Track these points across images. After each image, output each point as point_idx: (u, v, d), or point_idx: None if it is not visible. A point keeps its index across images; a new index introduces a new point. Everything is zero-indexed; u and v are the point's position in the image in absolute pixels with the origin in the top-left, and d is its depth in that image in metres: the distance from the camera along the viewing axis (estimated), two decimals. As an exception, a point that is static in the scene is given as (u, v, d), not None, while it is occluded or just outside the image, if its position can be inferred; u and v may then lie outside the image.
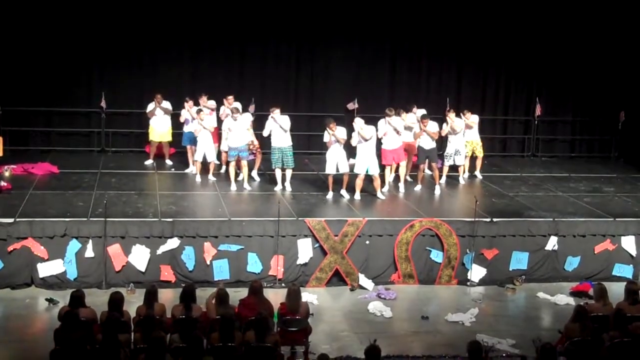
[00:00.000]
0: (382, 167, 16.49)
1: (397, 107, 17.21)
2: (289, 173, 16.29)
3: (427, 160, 17.02)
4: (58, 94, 19.35)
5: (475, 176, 18.37)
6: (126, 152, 19.54)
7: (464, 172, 17.90)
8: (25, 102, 18.97)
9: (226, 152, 16.96)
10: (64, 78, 19.28)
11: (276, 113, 16.14)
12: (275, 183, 16.31)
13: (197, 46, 20.04)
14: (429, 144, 16.85)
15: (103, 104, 19.07)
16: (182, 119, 17.60)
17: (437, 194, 16.75)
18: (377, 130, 16.03)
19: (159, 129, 18.15)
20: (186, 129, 17.49)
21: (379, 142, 16.16)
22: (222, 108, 17.37)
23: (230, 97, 17.31)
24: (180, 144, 18.06)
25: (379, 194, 15.95)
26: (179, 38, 19.82)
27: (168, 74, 19.76)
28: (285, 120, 16.17)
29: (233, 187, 16.21)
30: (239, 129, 16.14)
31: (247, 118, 16.76)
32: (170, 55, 19.91)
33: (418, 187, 16.90)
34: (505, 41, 21.19)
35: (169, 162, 18.30)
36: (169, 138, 18.34)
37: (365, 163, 15.69)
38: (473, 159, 18.30)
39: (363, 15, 20.40)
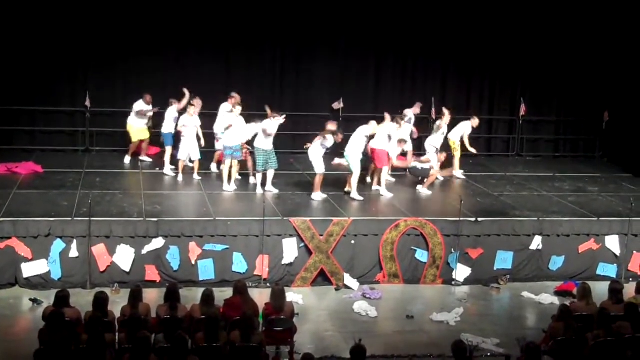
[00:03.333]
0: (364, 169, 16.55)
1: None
2: (271, 173, 16.20)
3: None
4: (42, 93, 19.26)
5: (454, 175, 18.45)
6: (111, 152, 19.45)
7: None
8: (9, 101, 18.85)
9: (220, 150, 16.79)
10: (48, 77, 19.18)
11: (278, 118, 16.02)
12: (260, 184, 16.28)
13: (182, 45, 19.96)
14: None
15: (87, 103, 19.01)
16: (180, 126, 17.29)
17: (422, 195, 16.80)
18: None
19: (138, 125, 18.07)
20: (165, 129, 17.39)
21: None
22: (222, 107, 17.35)
23: (236, 96, 17.27)
24: (161, 143, 18.05)
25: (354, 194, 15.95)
26: (164, 38, 19.72)
27: (153, 73, 19.68)
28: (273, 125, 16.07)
29: (228, 186, 16.09)
30: (238, 127, 16.07)
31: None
32: (155, 55, 19.80)
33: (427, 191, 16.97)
34: (490, 41, 21.24)
35: (147, 159, 18.20)
36: (147, 135, 18.28)
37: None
38: (450, 158, 18.37)
39: (348, 14, 20.39)
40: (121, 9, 19.16)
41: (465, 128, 18.24)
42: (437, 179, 17.48)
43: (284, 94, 20.67)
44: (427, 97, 20.39)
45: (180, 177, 16.82)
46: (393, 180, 17.55)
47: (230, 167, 16.20)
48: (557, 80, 21.76)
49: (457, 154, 18.36)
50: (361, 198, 15.83)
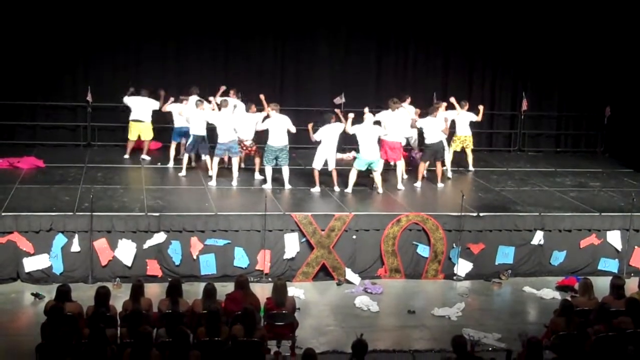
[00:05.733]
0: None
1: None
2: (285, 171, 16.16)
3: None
4: (44, 88, 19.29)
5: (469, 170, 18.47)
6: (112, 146, 19.46)
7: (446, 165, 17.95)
8: (11, 96, 18.86)
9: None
10: (50, 72, 19.19)
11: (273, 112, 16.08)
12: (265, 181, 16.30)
13: (182, 40, 19.99)
14: (436, 137, 16.78)
15: (89, 97, 19.00)
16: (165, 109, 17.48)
17: (439, 191, 16.86)
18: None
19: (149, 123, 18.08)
20: (177, 124, 17.37)
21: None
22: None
23: (232, 91, 17.49)
24: (165, 138, 18.03)
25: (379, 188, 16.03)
26: (164, 32, 19.77)
27: (153, 67, 19.72)
28: (285, 121, 16.07)
29: (213, 182, 16.15)
30: (228, 124, 16.11)
31: (231, 112, 16.65)
32: (155, 49, 19.87)
33: (418, 184, 16.91)
34: (492, 36, 21.23)
35: (147, 157, 18.18)
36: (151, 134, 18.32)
37: (369, 159, 15.76)
38: (463, 153, 18.35)
39: (349, 8, 20.39)
40: (121, 3, 19.15)
41: (469, 117, 18.19)
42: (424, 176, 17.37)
43: (284, 89, 20.68)
44: (429, 92, 20.39)
45: (183, 172, 16.80)
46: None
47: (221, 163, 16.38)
48: (559, 76, 21.76)
49: (470, 149, 18.36)
50: (381, 190, 16.00)
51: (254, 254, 14.05)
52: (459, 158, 18.46)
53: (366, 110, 16.17)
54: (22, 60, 18.92)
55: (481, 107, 18.38)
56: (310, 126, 16.15)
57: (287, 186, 16.06)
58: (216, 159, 16.22)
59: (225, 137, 16.04)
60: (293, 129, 16.19)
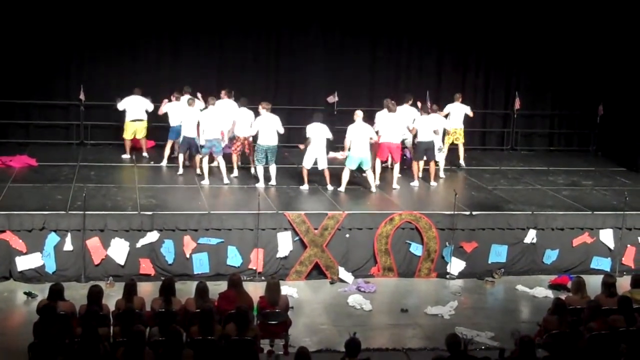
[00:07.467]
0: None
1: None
2: (273, 169, 16.20)
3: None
4: (36, 87, 19.22)
5: (460, 164, 18.50)
6: (105, 145, 19.43)
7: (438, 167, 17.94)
8: (3, 94, 18.80)
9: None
10: (42, 70, 19.13)
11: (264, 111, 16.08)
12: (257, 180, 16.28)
13: (176, 38, 19.96)
14: (427, 137, 16.73)
15: (82, 96, 18.96)
16: (161, 112, 17.53)
17: (432, 190, 16.86)
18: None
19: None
20: (173, 123, 17.35)
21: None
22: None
23: (223, 91, 17.42)
24: (158, 137, 18.05)
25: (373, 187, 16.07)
26: (158, 29, 19.73)
27: (147, 66, 19.68)
28: (275, 120, 16.08)
29: (206, 181, 16.13)
30: (212, 121, 16.11)
31: (221, 110, 16.63)
32: (149, 47, 19.85)
33: (415, 183, 16.90)
34: (485, 35, 21.25)
35: (147, 155, 18.23)
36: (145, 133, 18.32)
37: (359, 157, 15.74)
38: (456, 150, 18.37)
39: (343, 6, 20.39)
40: (114, 1, 19.10)
41: (464, 109, 18.18)
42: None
43: (278, 88, 20.66)
44: (422, 91, 20.37)
45: (180, 171, 16.78)
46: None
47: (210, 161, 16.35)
48: (552, 74, 21.78)
49: (461, 142, 18.36)
50: (374, 189, 16.04)
51: (247, 253, 14.04)
52: (453, 156, 18.47)
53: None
54: (15, 59, 18.85)
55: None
56: (301, 147, 16.16)
57: (273, 182, 16.06)
58: (205, 158, 16.19)
59: (208, 134, 16.01)
60: (281, 130, 16.16)
